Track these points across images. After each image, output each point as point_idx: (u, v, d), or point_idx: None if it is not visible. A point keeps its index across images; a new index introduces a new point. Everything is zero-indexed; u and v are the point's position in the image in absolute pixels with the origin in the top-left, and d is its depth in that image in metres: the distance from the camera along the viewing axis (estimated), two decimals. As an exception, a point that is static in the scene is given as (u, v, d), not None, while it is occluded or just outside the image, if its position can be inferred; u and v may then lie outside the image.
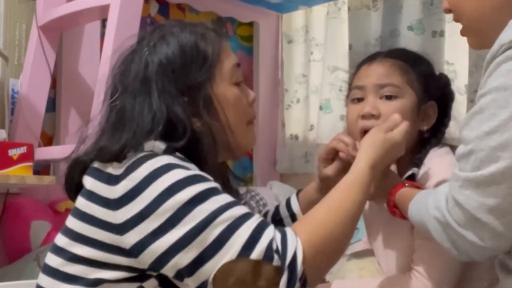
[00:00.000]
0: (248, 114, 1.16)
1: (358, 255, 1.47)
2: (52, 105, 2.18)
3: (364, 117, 1.30)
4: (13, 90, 2.06)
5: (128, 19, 1.82)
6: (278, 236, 0.94)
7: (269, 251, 0.92)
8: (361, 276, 1.37)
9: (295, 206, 1.34)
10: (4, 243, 1.96)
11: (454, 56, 2.15)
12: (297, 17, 2.68)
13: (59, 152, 1.89)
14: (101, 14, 2.00)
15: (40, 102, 2.07)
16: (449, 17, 2.15)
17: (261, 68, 2.74)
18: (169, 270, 0.95)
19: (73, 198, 1.09)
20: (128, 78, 1.08)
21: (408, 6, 2.23)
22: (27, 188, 1.99)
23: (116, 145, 1.02)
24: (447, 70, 2.08)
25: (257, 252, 0.92)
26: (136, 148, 1.01)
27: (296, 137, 2.66)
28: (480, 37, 1.08)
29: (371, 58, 1.37)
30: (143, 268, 0.97)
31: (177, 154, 1.03)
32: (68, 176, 1.10)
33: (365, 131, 1.24)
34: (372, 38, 2.32)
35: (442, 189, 1.01)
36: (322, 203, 1.02)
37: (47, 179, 1.81)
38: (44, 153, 1.95)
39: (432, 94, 1.34)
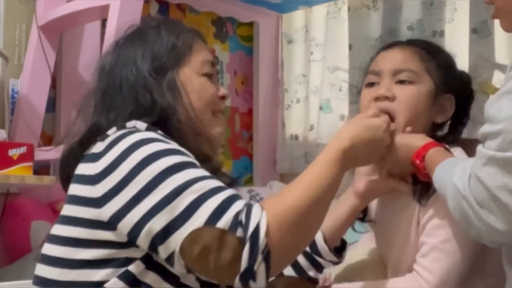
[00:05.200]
0: (215, 104, 1.19)
1: (362, 252, 1.46)
2: (52, 105, 2.18)
3: (378, 99, 1.27)
4: (13, 90, 2.06)
5: (128, 19, 1.79)
6: (245, 209, 0.95)
7: (234, 222, 0.93)
8: (364, 276, 1.36)
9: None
10: (4, 243, 1.96)
11: (453, 56, 2.14)
12: (297, 17, 2.67)
13: (59, 152, 1.89)
14: (101, 14, 2.00)
15: (40, 102, 2.08)
16: (449, 17, 2.16)
17: (261, 68, 2.74)
18: (144, 238, 0.96)
19: (66, 189, 1.12)
20: (105, 66, 1.18)
21: (408, 6, 2.22)
22: (27, 188, 1.99)
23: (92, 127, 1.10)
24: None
25: (223, 222, 0.93)
26: (118, 126, 1.06)
27: (296, 137, 2.65)
28: None
29: (390, 45, 1.35)
30: (122, 241, 0.99)
31: (159, 131, 1.06)
32: (61, 165, 1.16)
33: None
34: (372, 38, 2.31)
35: (469, 163, 1.00)
36: (294, 181, 1.02)
37: (47, 179, 1.81)
38: (44, 153, 1.95)
39: (451, 86, 1.31)
